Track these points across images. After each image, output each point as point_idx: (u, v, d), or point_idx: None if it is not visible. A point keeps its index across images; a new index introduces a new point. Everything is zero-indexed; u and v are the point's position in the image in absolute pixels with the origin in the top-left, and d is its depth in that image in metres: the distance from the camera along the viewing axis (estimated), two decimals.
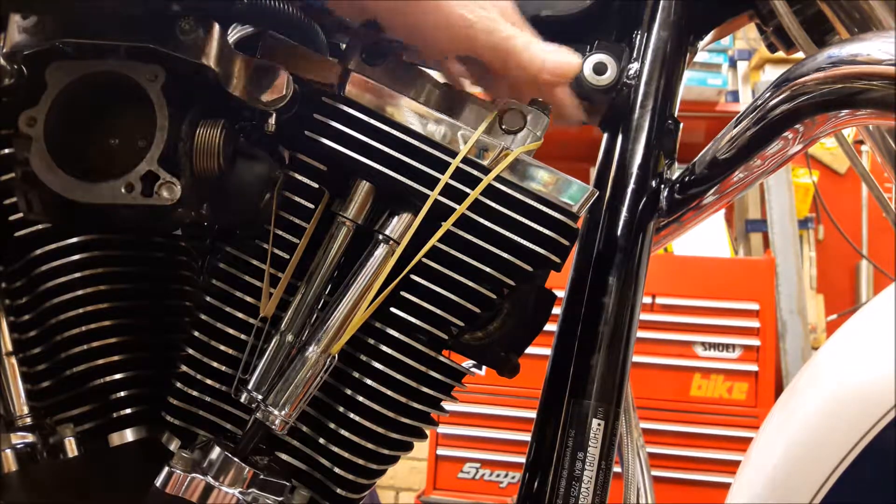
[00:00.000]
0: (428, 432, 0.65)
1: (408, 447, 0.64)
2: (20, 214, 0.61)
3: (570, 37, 0.74)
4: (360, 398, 0.61)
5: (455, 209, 0.59)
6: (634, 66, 0.72)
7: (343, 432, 0.61)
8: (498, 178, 0.60)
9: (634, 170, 0.70)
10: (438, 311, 0.60)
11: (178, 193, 0.53)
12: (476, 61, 0.62)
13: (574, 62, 0.63)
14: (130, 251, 0.66)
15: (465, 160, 0.60)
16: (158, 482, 0.57)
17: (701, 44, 0.78)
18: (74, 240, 0.63)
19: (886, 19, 0.66)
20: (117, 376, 0.63)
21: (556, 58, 0.62)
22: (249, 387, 0.60)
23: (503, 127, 0.61)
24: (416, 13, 0.58)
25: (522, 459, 0.70)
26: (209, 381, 0.62)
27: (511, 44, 0.60)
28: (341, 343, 0.59)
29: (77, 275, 0.62)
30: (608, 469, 0.65)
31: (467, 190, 0.59)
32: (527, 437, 0.69)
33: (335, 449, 0.61)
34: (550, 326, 0.65)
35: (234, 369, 0.61)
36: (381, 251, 0.60)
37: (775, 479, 0.71)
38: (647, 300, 2.50)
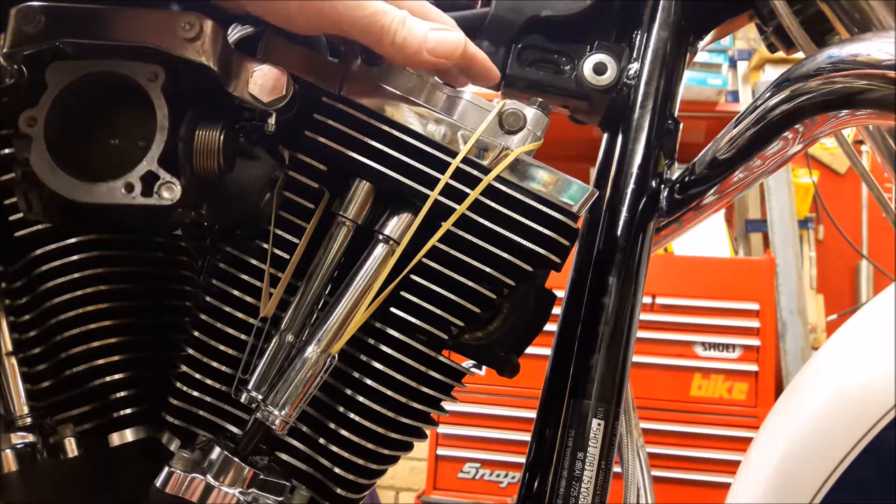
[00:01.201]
0: (428, 432, 0.65)
1: (408, 447, 0.64)
2: (20, 214, 0.61)
3: (570, 37, 0.74)
4: (360, 398, 0.61)
5: (455, 209, 0.59)
6: (634, 66, 0.72)
7: (343, 432, 0.61)
8: (498, 178, 0.60)
9: (634, 170, 0.70)
10: (438, 311, 0.60)
11: (178, 193, 0.53)
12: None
13: (458, 39, 0.57)
14: (130, 251, 0.66)
15: (465, 160, 0.60)
16: (158, 482, 0.57)
17: (701, 44, 0.78)
18: (74, 240, 0.63)
19: (886, 19, 0.66)
20: (117, 376, 0.63)
21: (438, 36, 0.56)
22: (249, 387, 0.60)
23: (503, 127, 0.61)
24: None
25: (522, 459, 0.70)
26: (209, 381, 0.62)
27: (382, 20, 0.55)
28: (341, 343, 0.59)
29: (77, 275, 0.62)
30: (608, 469, 0.65)
31: (467, 190, 0.59)
32: (527, 437, 0.69)
33: (335, 449, 0.61)
34: (550, 326, 0.65)
35: (234, 369, 0.61)
36: (380, 251, 0.60)
37: (775, 479, 0.71)
38: (647, 300, 2.50)
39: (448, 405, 0.65)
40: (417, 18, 0.57)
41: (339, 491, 0.62)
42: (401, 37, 0.56)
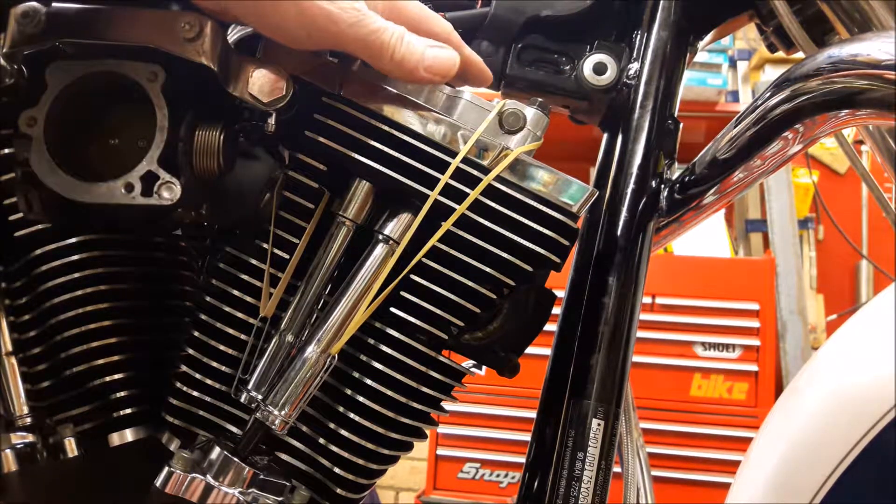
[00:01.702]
0: (428, 432, 0.65)
1: (408, 447, 0.64)
2: (20, 214, 0.61)
3: (570, 37, 0.74)
4: (360, 398, 0.61)
5: (455, 209, 0.59)
6: (634, 66, 0.72)
7: (343, 432, 0.61)
8: (498, 178, 0.60)
9: (634, 170, 0.70)
10: (438, 311, 0.60)
11: (178, 193, 0.53)
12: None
13: (454, 58, 0.60)
14: (130, 251, 0.66)
15: (465, 160, 0.60)
16: (158, 482, 0.57)
17: (701, 44, 0.78)
18: (74, 240, 0.63)
19: (886, 19, 0.66)
20: (117, 376, 0.63)
21: (435, 54, 0.58)
22: (249, 387, 0.60)
23: (503, 127, 0.61)
24: (271, 7, 0.54)
25: (522, 459, 0.70)
26: (209, 381, 0.62)
27: (382, 38, 0.56)
28: (341, 343, 0.59)
29: (77, 275, 0.62)
30: (608, 469, 0.65)
31: (467, 190, 0.59)
32: (527, 437, 0.69)
33: (335, 449, 0.61)
34: (550, 326, 0.65)
35: (234, 369, 0.61)
36: (380, 251, 0.60)
37: (775, 479, 0.71)
38: (647, 300, 2.50)
39: (448, 405, 0.65)
40: (415, 35, 0.58)
41: (339, 491, 0.62)
42: (399, 54, 0.57)
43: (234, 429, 0.62)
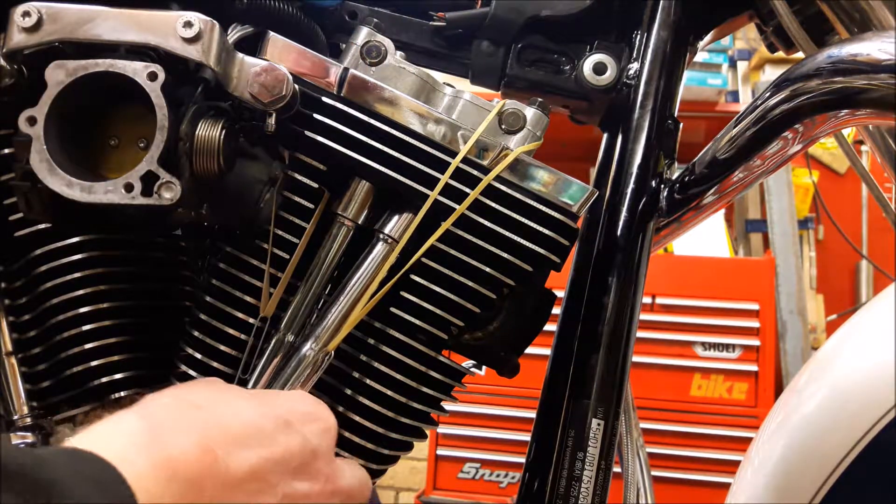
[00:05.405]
0: (428, 432, 0.65)
1: (408, 447, 0.64)
2: (20, 214, 0.61)
3: (570, 37, 0.74)
4: (360, 398, 0.61)
5: (455, 209, 0.59)
6: (634, 66, 0.72)
7: (343, 432, 0.61)
8: (498, 178, 0.60)
9: (634, 170, 0.70)
10: (438, 311, 0.60)
11: (178, 193, 0.53)
12: None
13: None
14: (130, 251, 0.66)
15: (464, 160, 0.60)
16: None
17: (701, 44, 0.78)
18: (74, 240, 0.63)
19: (886, 19, 0.66)
20: (117, 376, 0.63)
21: None
22: (249, 387, 0.60)
23: (503, 127, 0.61)
24: None
25: (522, 459, 0.70)
26: None
27: None
28: (338, 340, 0.59)
29: (77, 275, 0.62)
30: (608, 469, 0.65)
31: (467, 190, 0.59)
32: (527, 437, 0.69)
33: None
34: (550, 326, 0.65)
35: (234, 369, 0.61)
36: (380, 250, 0.60)
37: (775, 479, 0.71)
38: (647, 300, 2.50)
39: (448, 405, 0.65)
40: None
41: None
42: None
43: None
